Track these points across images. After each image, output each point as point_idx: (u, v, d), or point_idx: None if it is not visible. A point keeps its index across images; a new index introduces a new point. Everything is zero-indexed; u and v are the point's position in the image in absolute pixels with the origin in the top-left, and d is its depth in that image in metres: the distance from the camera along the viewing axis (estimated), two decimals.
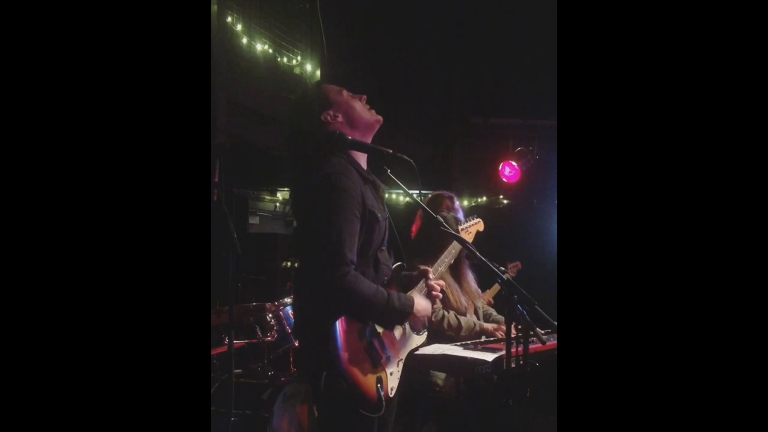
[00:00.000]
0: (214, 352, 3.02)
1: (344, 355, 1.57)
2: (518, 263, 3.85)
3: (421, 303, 1.73)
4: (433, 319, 2.48)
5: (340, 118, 1.74)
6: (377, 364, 1.65)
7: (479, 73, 5.20)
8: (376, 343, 1.66)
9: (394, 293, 1.66)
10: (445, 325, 2.51)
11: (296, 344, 3.15)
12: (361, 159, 1.77)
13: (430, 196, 2.96)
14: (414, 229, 2.82)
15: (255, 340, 3.13)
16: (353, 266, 1.59)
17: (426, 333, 1.86)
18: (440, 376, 2.48)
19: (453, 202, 2.92)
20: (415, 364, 1.95)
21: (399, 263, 1.81)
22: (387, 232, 1.78)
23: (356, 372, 1.59)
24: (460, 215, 2.87)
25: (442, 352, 2.18)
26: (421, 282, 1.81)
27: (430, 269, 1.84)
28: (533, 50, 4.79)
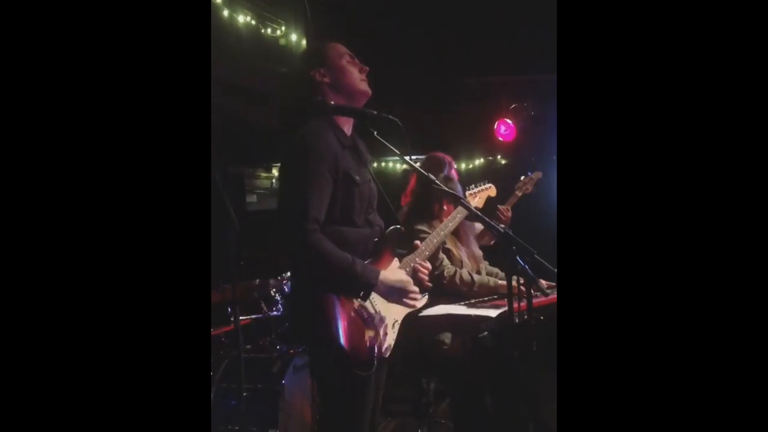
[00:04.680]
0: (221, 330, 3.04)
1: (335, 317, 1.58)
2: (539, 173, 3.18)
3: (393, 275, 1.70)
4: (445, 275, 2.50)
5: (327, 79, 1.74)
6: (370, 325, 1.66)
7: (469, 33, 5.10)
8: (367, 304, 1.66)
9: (360, 261, 1.63)
10: (458, 281, 2.52)
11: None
12: (345, 125, 1.76)
13: (423, 159, 2.92)
14: (406, 193, 2.80)
15: (261, 315, 3.14)
16: (318, 225, 1.58)
17: (426, 296, 1.86)
18: (447, 336, 2.49)
19: (444, 162, 2.86)
20: (420, 326, 1.96)
21: (395, 227, 1.79)
22: (375, 197, 1.78)
23: (347, 333, 1.59)
24: (453, 175, 2.83)
25: (446, 312, 2.19)
26: (406, 260, 1.81)
27: (421, 245, 1.85)
28: (523, 5, 4.68)
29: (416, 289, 1.73)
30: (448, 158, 2.88)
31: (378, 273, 1.66)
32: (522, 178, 3.16)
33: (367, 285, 1.63)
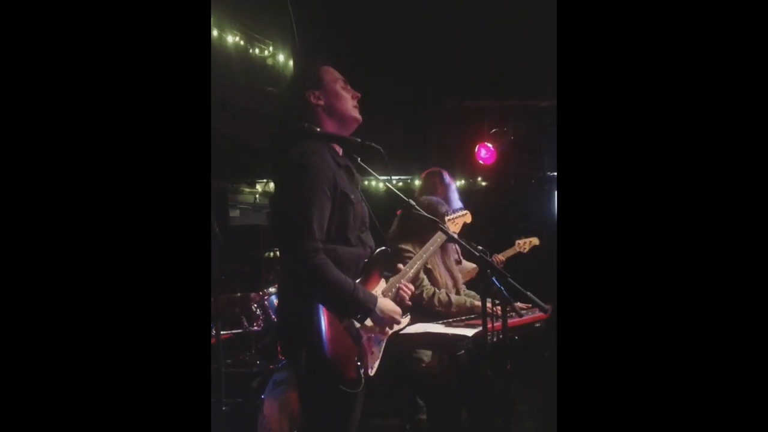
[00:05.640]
0: None
1: (325, 334, 1.62)
2: (536, 240, 3.55)
3: (387, 304, 1.76)
4: (424, 296, 2.57)
5: (322, 102, 1.79)
6: (358, 343, 1.71)
7: (452, 57, 5.25)
8: (357, 324, 1.71)
9: (361, 287, 1.69)
10: (436, 302, 2.59)
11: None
12: (338, 145, 1.82)
13: (423, 175, 3.08)
14: (398, 214, 2.89)
15: (241, 330, 3.17)
16: (321, 243, 1.62)
17: (408, 317, 1.92)
18: (426, 354, 2.56)
19: (443, 178, 3.04)
20: (399, 344, 2.02)
21: (383, 248, 1.85)
22: (366, 216, 1.83)
23: (337, 350, 1.64)
24: (452, 190, 2.98)
25: (424, 330, 2.25)
26: (391, 281, 1.87)
27: (404, 267, 1.92)
28: (505, 31, 4.84)
29: (400, 317, 1.80)
30: (438, 169, 3.05)
31: (376, 299, 1.71)
32: (521, 240, 3.58)
33: (366, 311, 1.68)
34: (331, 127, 1.80)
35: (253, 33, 3.99)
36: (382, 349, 1.81)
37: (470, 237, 2.89)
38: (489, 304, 1.72)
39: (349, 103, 1.82)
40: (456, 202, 3.01)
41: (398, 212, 2.85)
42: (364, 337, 1.73)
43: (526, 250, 3.55)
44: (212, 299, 2.63)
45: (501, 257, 3.44)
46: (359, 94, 1.85)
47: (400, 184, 5.97)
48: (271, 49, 4.11)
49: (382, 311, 1.72)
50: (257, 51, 4.04)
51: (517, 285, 1.56)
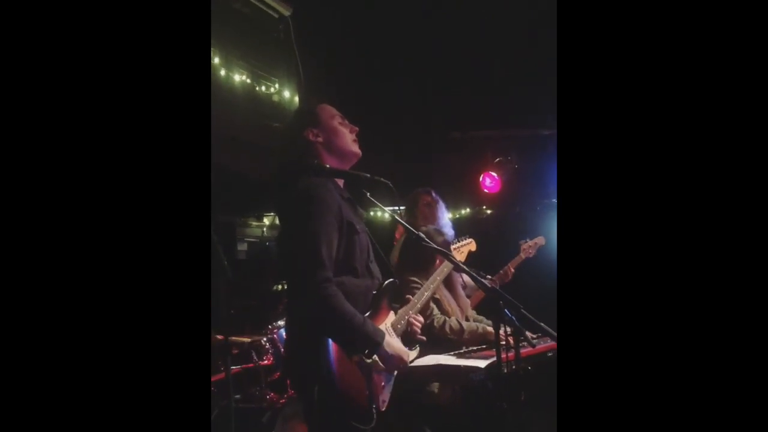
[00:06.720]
0: (212, 379, 3.04)
1: (336, 369, 1.61)
2: (540, 239, 3.42)
3: (393, 342, 1.74)
4: (435, 325, 2.55)
5: (320, 139, 1.81)
6: (369, 378, 1.70)
7: (455, 89, 5.34)
8: (366, 359, 1.70)
9: (369, 321, 1.69)
10: (447, 330, 2.57)
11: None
12: (339, 180, 1.84)
13: (408, 197, 3.11)
14: (395, 243, 2.91)
15: (251, 365, 3.16)
16: (331, 274, 1.62)
17: (418, 348, 1.91)
18: (436, 386, 2.53)
19: (431, 196, 3.06)
20: (410, 376, 2.01)
21: (391, 280, 1.85)
22: (371, 247, 1.84)
23: (348, 385, 1.63)
24: (442, 210, 3.00)
25: (435, 362, 2.23)
26: (400, 313, 1.86)
27: (413, 299, 1.92)
28: (506, 61, 4.92)
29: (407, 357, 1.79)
30: (425, 189, 3.06)
31: (384, 334, 1.71)
32: (523, 242, 3.41)
33: (374, 345, 1.68)
34: (331, 162, 1.81)
35: (258, 71, 4.08)
36: (392, 383, 1.80)
37: (479, 265, 2.91)
38: (501, 332, 1.72)
39: (348, 138, 1.85)
40: (444, 218, 3.05)
41: (397, 236, 2.87)
42: (376, 370, 1.73)
43: (532, 254, 3.39)
44: (221, 336, 2.63)
45: (511, 269, 3.38)
46: (357, 128, 1.87)
47: (399, 214, 6.00)
48: (276, 86, 4.20)
49: (390, 347, 1.71)
50: (263, 88, 4.13)
51: (530, 315, 1.56)
